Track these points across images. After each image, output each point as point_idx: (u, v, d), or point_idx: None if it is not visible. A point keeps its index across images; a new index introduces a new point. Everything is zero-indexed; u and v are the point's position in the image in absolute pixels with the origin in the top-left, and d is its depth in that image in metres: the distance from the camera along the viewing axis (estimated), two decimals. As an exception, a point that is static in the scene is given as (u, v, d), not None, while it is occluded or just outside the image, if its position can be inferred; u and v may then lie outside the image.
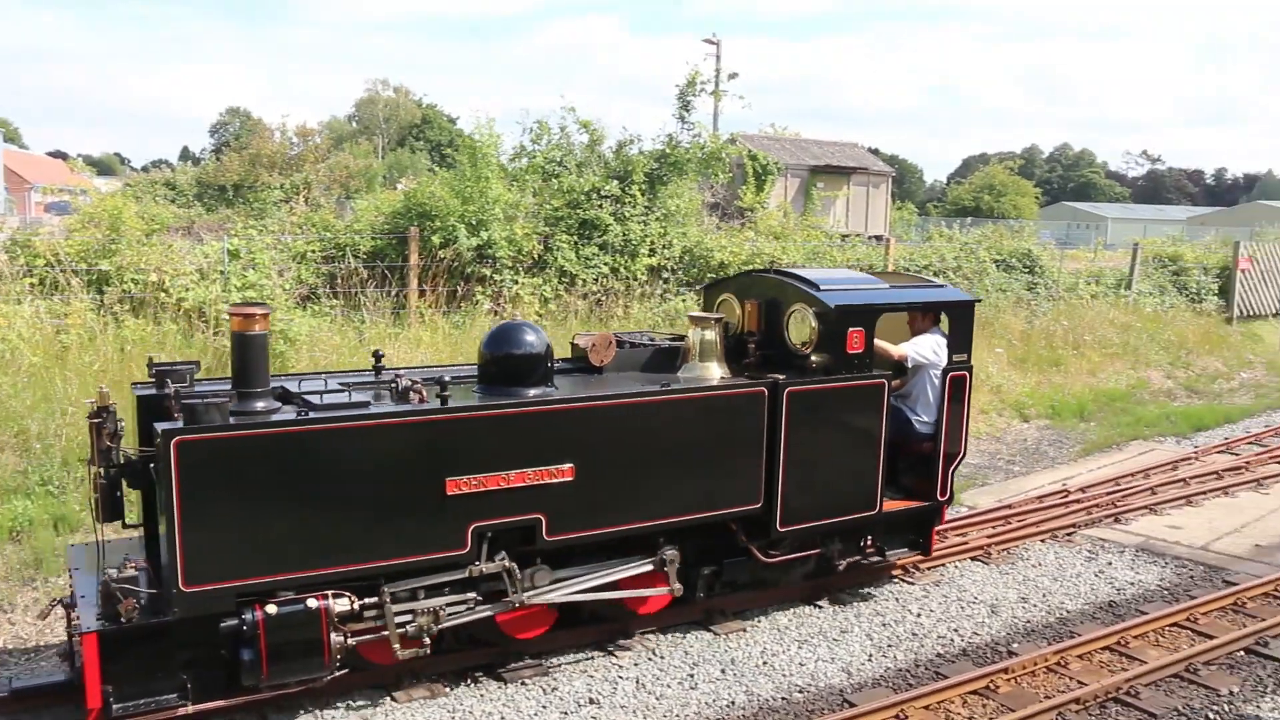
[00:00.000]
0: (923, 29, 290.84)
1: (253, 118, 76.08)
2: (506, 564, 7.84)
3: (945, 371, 10.04)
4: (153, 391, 7.57)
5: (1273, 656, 9.19)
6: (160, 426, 6.60)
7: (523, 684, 8.22)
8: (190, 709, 6.98)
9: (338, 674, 7.34)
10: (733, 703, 8.06)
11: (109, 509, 7.26)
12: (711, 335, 9.15)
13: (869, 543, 9.94)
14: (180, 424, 6.64)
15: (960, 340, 10.12)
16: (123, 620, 6.71)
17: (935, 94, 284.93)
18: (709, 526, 8.80)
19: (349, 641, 7.33)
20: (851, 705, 7.97)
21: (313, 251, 16.20)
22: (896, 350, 10.10)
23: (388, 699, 7.92)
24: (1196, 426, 18.92)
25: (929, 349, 10.20)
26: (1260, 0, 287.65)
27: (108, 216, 15.18)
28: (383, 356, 8.56)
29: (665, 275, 18.56)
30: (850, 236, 25.27)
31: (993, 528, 12.50)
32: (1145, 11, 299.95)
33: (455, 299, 16.63)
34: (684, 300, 18.07)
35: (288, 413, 7.13)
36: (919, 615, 9.88)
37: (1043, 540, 12.21)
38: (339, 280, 16.14)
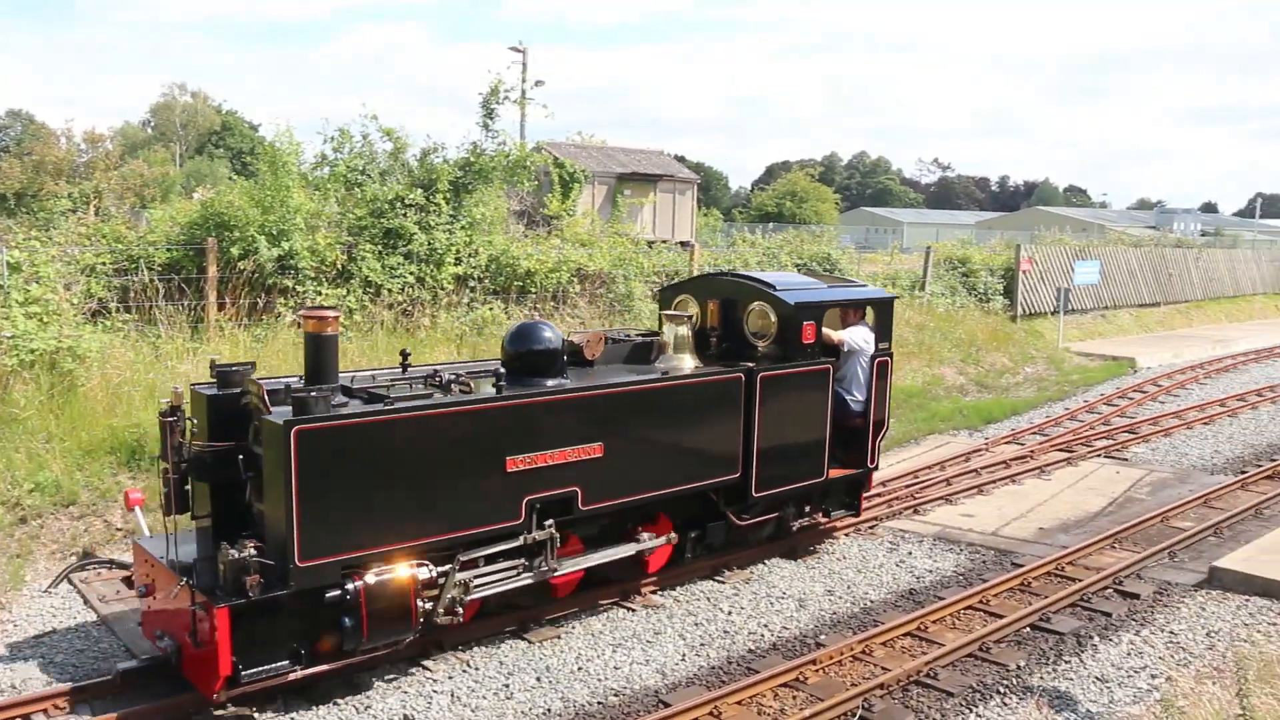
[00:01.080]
0: (728, 40, 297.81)
1: (36, 121, 71.87)
2: (552, 531, 8.89)
3: (873, 357, 11.69)
4: (219, 391, 8.17)
5: (1055, 630, 9.75)
6: (280, 418, 7.36)
7: (335, 703, 8.04)
8: (300, 674, 7.68)
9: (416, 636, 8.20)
10: (549, 710, 8.07)
11: (179, 502, 8.09)
12: (684, 330, 10.52)
13: (812, 507, 11.54)
14: (297, 415, 7.38)
15: (883, 330, 11.82)
16: (250, 595, 7.25)
17: (740, 103, 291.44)
18: (696, 495, 10.19)
19: (427, 606, 8.17)
20: (666, 705, 8.09)
21: (103, 264, 15.46)
22: (836, 336, 11.55)
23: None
24: (986, 419, 19.91)
25: (860, 338, 11.70)
26: (1037, 24, 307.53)
27: None
28: (409, 355, 9.34)
29: (472, 284, 18.43)
30: (657, 243, 25.57)
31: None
32: (936, 27, 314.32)
33: (256, 311, 16.13)
34: (490, 309, 17.98)
35: (372, 404, 7.96)
36: (730, 613, 10.09)
37: (847, 534, 12.63)
38: (132, 294, 15.45)
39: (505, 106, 19.99)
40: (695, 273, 21.87)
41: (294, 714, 7.91)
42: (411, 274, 17.64)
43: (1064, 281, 31.60)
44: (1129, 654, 9.29)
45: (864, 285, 12.36)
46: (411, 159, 19.41)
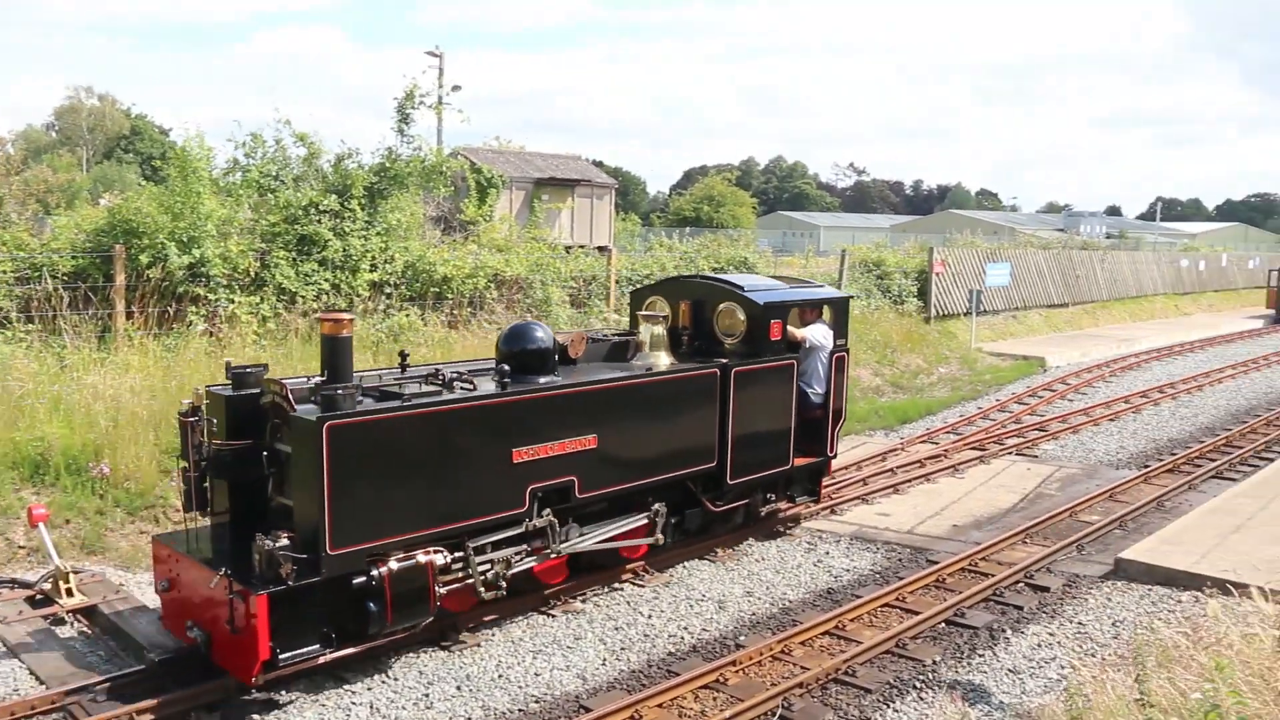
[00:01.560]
0: (648, 45, 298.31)
1: (-71, 127, 69.59)
2: (551, 519, 9.53)
3: (832, 353, 12.48)
4: (235, 392, 8.54)
5: (969, 625, 9.94)
6: (313, 414, 7.83)
7: (251, 718, 7.92)
8: (330, 656, 8.19)
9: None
10: (469, 719, 8.02)
11: (199, 499, 8.62)
12: (660, 330, 11.19)
13: (777, 493, 12.34)
14: (326, 412, 7.85)
15: (840, 328, 12.65)
16: (287, 582, 7.65)
17: (659, 108, 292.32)
18: (675, 484, 10.87)
19: (443, 591, 8.74)
20: (587, 710, 8.09)
21: (4, 272, 15.05)
22: (799, 334, 12.23)
23: None
24: (902, 419, 20.22)
25: (820, 335, 12.46)
26: (954, 31, 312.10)
27: None
28: (408, 356, 9.73)
29: (388, 290, 18.26)
30: (574, 248, 25.54)
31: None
32: (854, 33, 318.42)
33: (166, 320, 15.82)
34: (407, 315, 17.82)
35: (385, 401, 8.39)
36: (650, 616, 10.13)
37: (766, 537, 12.74)
38: (35, 303, 15.06)
39: (421, 112, 19.83)
40: (614, 278, 21.89)
41: (208, 730, 7.77)
42: (326, 281, 17.43)
43: (976, 283, 32.21)
44: (1039, 645, 9.50)
45: (822, 286, 13.29)
46: (326, 165, 19.17)
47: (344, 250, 17.74)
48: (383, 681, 8.58)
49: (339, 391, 7.98)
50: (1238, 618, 7.83)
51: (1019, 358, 28.10)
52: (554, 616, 10.07)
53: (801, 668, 8.91)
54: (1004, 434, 18.62)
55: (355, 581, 8.12)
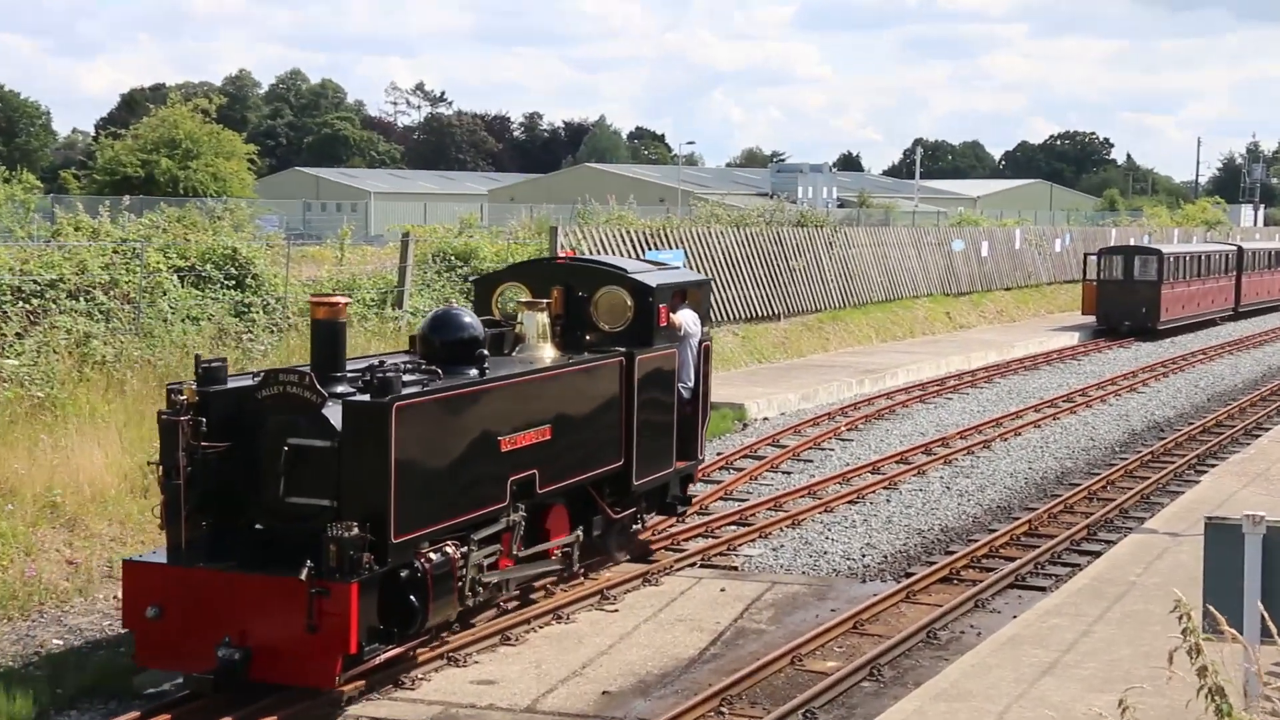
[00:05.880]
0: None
1: None
2: (523, 514, 9.95)
3: (700, 341, 12.39)
4: (217, 388, 8.69)
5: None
6: (381, 397, 8.36)
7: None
8: (395, 650, 8.76)
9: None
10: None
11: (191, 508, 8.60)
12: (544, 318, 10.85)
13: (648, 503, 12.18)
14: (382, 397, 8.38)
15: (703, 315, 12.67)
16: (369, 570, 8.16)
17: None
18: (580, 489, 10.97)
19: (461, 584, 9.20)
20: None
21: None
22: (675, 319, 11.94)
23: None
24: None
25: (691, 321, 12.28)
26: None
27: None
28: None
29: None
30: None
31: None
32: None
33: None
34: None
35: (382, 391, 8.54)
36: None
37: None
38: None
39: None
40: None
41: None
42: None
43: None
44: None
45: (680, 268, 14.04)
46: None
47: None
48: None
49: (389, 374, 8.49)
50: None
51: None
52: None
53: None
54: (681, 532, 13.48)
55: (403, 573, 8.52)
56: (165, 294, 16.13)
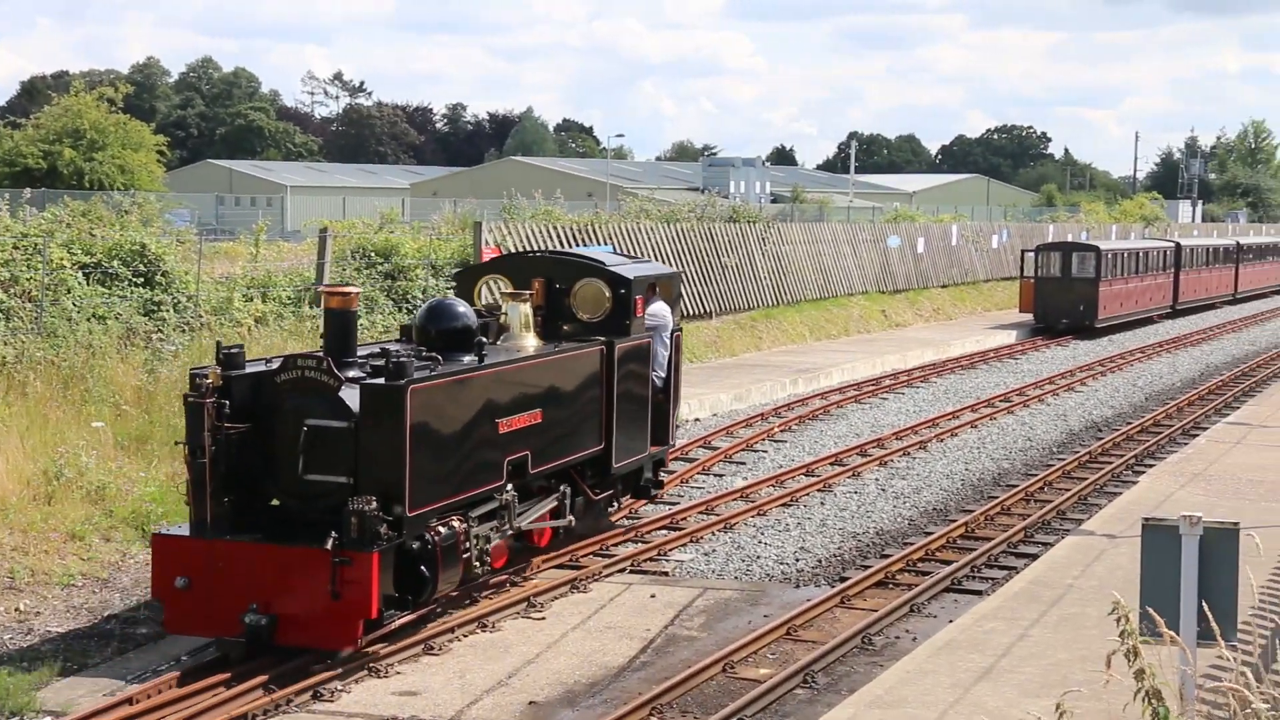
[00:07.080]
0: None
1: None
2: (513, 493, 10.55)
3: (672, 332, 13.06)
4: (237, 372, 9.29)
5: None
6: (396, 379, 8.95)
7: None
8: (410, 616, 9.43)
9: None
10: None
11: (215, 488, 9.20)
12: (528, 309, 11.42)
13: (623, 486, 12.97)
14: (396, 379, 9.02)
15: (674, 307, 13.41)
16: (388, 541, 8.81)
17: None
18: (565, 471, 11.64)
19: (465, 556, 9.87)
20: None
21: None
22: (649, 310, 12.60)
23: None
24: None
25: (664, 313, 12.92)
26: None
27: None
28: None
29: None
30: None
31: None
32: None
33: None
34: None
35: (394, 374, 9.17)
36: None
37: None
38: None
39: None
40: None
41: None
42: None
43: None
44: None
45: (649, 260, 14.89)
46: None
47: None
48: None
49: (402, 358, 9.05)
50: None
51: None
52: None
53: None
54: (609, 537, 13.04)
55: (414, 545, 9.12)
56: (70, 292, 15.67)
